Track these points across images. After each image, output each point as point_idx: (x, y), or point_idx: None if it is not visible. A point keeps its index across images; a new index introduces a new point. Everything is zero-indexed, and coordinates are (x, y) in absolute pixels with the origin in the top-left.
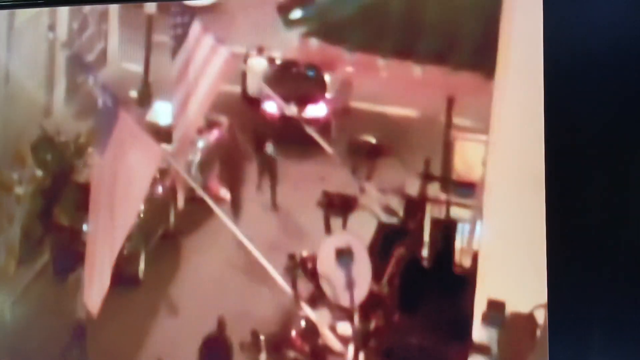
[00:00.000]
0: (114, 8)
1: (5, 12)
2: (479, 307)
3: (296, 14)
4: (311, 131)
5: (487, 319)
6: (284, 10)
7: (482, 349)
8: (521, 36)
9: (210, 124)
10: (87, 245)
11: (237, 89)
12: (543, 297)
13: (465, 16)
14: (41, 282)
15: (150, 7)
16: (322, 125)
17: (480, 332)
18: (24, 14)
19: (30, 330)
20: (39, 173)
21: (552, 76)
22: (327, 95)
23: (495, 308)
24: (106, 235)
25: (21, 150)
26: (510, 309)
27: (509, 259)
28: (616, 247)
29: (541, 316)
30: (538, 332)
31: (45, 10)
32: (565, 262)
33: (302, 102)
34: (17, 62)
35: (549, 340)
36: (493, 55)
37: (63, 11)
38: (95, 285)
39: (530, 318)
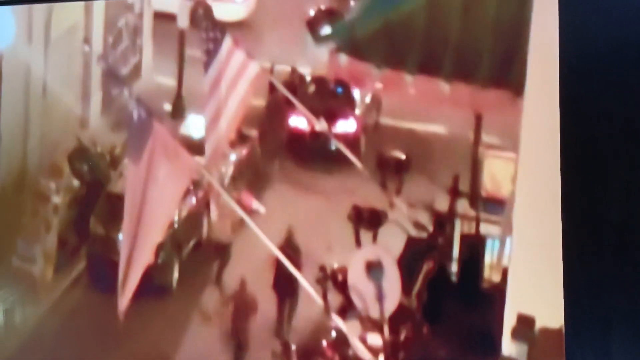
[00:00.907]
0: (147, 24)
1: (42, 27)
2: (509, 322)
3: (325, 30)
4: (341, 146)
5: (516, 334)
6: (313, 26)
7: None
8: (543, 54)
9: (242, 138)
10: (121, 254)
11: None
12: None
13: (490, 32)
14: (77, 289)
15: (183, 22)
16: (352, 141)
17: (509, 347)
18: (60, 28)
19: (65, 337)
20: (75, 183)
21: (569, 91)
22: (357, 111)
23: (525, 323)
24: (140, 245)
25: (58, 160)
26: (540, 324)
27: (538, 275)
28: (634, 259)
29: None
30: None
31: (80, 24)
32: (585, 274)
33: (332, 118)
34: (54, 76)
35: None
36: (521, 72)
37: (98, 25)
38: (128, 294)
39: (559, 333)
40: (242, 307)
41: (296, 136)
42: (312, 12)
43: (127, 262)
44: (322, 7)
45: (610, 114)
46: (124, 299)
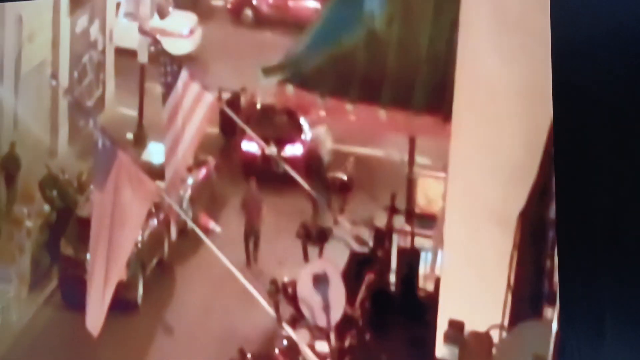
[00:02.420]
0: (110, 60)
1: (12, 64)
2: (441, 327)
3: (273, 63)
4: (289, 169)
5: (448, 338)
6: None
7: None
8: (474, 80)
9: (199, 163)
10: (89, 273)
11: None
12: (498, 318)
13: (423, 64)
14: (50, 306)
15: (143, 57)
16: (299, 164)
17: (442, 350)
18: (29, 64)
19: (39, 351)
20: (46, 208)
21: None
22: (303, 136)
23: (455, 328)
24: (107, 264)
25: (30, 187)
26: (469, 328)
27: (467, 284)
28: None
29: (496, 335)
30: (494, 350)
31: (48, 60)
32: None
33: (280, 143)
34: (24, 108)
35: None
36: (450, 100)
37: (64, 61)
38: (95, 312)
39: (486, 336)
40: None
41: (248, 160)
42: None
43: (94, 281)
44: None
45: (601, 104)
46: (99, 318)
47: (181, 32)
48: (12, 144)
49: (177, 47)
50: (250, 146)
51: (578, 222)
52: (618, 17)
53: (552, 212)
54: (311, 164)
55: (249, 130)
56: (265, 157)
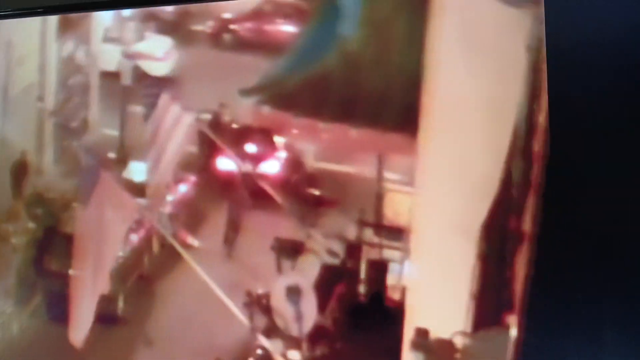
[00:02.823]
0: (94, 83)
1: (1, 87)
2: (408, 335)
3: (251, 84)
4: (265, 185)
5: (414, 346)
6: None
7: None
8: (441, 99)
9: (178, 181)
10: (72, 288)
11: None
12: (461, 325)
13: (394, 85)
14: (35, 320)
15: (126, 80)
16: (274, 181)
17: (408, 356)
18: (17, 86)
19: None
20: (31, 225)
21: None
22: (278, 154)
23: (420, 335)
24: (89, 279)
25: (16, 205)
26: (433, 335)
27: (433, 293)
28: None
29: (460, 341)
30: (457, 355)
31: (35, 82)
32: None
33: (256, 161)
34: (12, 129)
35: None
36: (417, 118)
37: (51, 84)
38: (79, 326)
39: (450, 343)
40: None
41: (225, 177)
42: None
43: (78, 295)
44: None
45: (595, 114)
46: (82, 331)
47: (155, 55)
48: None
49: (152, 69)
50: (228, 164)
51: (560, 234)
52: (606, 28)
53: (514, 224)
54: (289, 180)
55: (225, 147)
56: (242, 175)
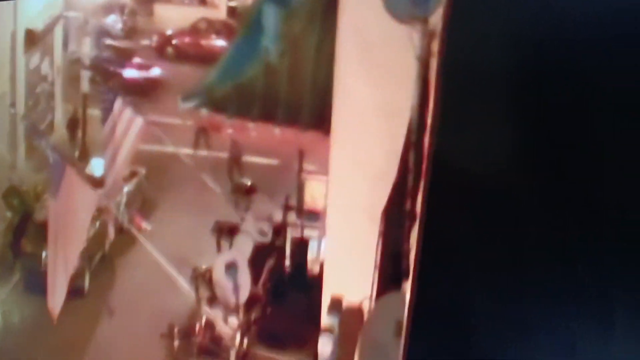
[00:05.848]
0: (58, 90)
1: None
2: (325, 302)
3: (190, 92)
4: (205, 176)
5: (331, 310)
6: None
7: (329, 330)
8: (347, 103)
9: (132, 174)
10: (48, 267)
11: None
12: (368, 292)
13: (308, 90)
14: (14, 295)
15: (85, 88)
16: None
17: (327, 320)
18: None
19: (5, 333)
20: (9, 214)
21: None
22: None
23: (336, 301)
24: (61, 259)
25: None
26: (346, 301)
27: (345, 266)
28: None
29: (367, 305)
30: (365, 317)
31: (7, 91)
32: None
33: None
34: None
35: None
36: (329, 118)
37: (21, 93)
38: (56, 296)
39: (359, 307)
40: None
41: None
42: None
43: (53, 273)
44: None
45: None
46: (58, 302)
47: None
48: None
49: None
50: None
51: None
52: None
53: (408, 206)
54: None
55: (175, 149)
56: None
